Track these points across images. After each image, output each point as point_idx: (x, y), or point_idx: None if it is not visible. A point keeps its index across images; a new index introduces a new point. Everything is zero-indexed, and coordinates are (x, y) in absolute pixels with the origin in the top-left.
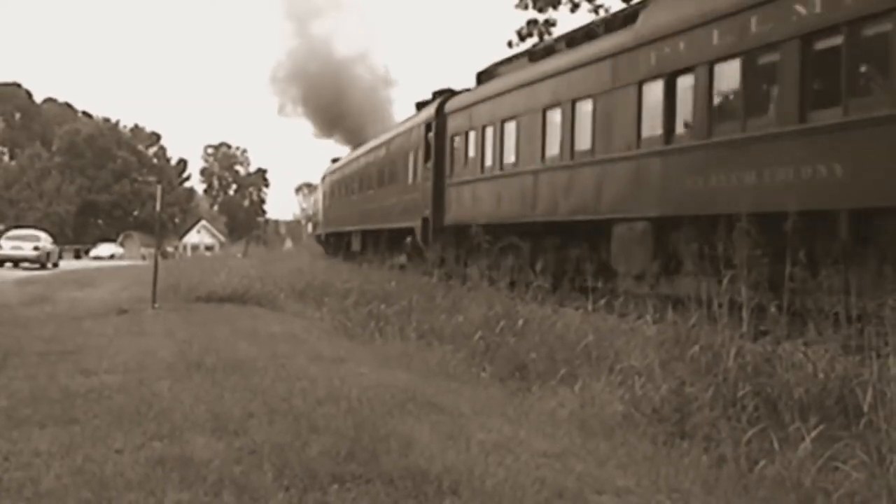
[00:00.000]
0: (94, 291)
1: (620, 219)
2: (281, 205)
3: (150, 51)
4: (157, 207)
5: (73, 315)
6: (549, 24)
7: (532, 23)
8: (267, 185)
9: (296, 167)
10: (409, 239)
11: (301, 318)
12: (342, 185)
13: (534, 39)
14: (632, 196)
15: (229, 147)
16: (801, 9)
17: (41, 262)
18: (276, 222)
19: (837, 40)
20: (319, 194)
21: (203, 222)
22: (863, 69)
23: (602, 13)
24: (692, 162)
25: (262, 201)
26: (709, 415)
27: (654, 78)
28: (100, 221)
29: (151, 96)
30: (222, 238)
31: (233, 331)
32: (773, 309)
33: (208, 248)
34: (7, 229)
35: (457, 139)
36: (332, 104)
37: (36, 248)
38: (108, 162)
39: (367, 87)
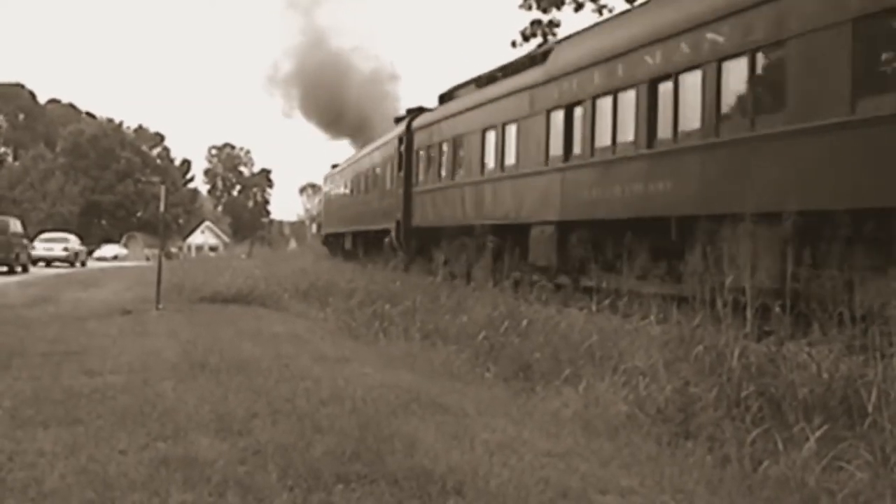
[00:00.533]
0: (97, 292)
1: (535, 222)
2: (285, 205)
3: (154, 51)
4: (161, 208)
5: (76, 316)
6: (553, 24)
7: (536, 23)
8: (271, 186)
9: (300, 168)
10: (387, 239)
11: (305, 318)
12: (338, 190)
13: (538, 40)
14: (542, 204)
15: (233, 148)
16: (649, 60)
17: (70, 261)
18: (281, 223)
19: (670, 85)
20: (322, 197)
21: (207, 223)
22: (682, 109)
23: (606, 13)
24: (582, 177)
25: (266, 202)
26: (713, 415)
27: (557, 108)
28: (103, 222)
29: (155, 97)
30: (226, 239)
31: (237, 331)
32: (776, 309)
33: (212, 248)
34: (39, 232)
35: (421, 152)
36: (333, 99)
37: (65, 249)
38: (112, 162)
39: (369, 79)
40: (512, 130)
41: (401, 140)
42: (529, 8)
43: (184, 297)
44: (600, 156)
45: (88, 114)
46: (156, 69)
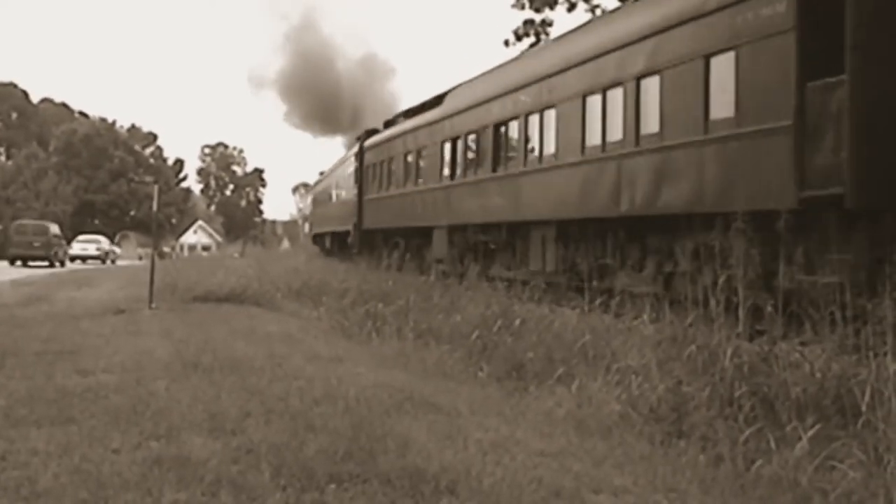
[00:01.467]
0: (91, 291)
1: (435, 226)
2: (278, 205)
3: (147, 51)
4: (154, 207)
5: (70, 315)
6: (546, 24)
7: (528, 23)
8: (264, 185)
9: (293, 167)
10: (349, 238)
11: (298, 317)
12: (321, 195)
13: (531, 39)
14: (439, 213)
15: (226, 147)
16: (495, 109)
17: (102, 258)
18: (273, 222)
19: (503, 129)
20: (310, 201)
21: (200, 222)
22: (505, 148)
23: (598, 13)
24: (462, 193)
25: (259, 201)
26: (706, 414)
27: (446, 140)
28: (96, 221)
29: (148, 96)
30: (219, 238)
31: (230, 331)
32: (769, 309)
33: (205, 248)
34: (75, 234)
35: (369, 168)
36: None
37: (98, 249)
38: (105, 162)
39: (360, 64)
40: (422, 155)
41: (356, 156)
42: (522, 7)
43: (177, 296)
44: (470, 177)
45: (81, 113)
46: (149, 68)
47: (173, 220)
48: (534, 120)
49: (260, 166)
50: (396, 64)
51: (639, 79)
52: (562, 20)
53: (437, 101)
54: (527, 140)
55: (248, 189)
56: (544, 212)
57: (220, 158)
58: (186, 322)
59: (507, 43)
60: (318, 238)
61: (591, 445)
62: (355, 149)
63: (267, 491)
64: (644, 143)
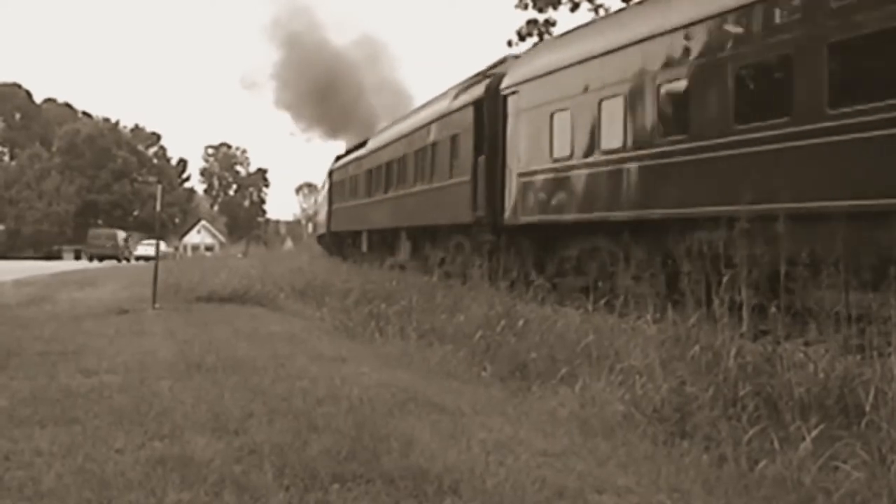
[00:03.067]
0: (94, 291)
1: (364, 230)
2: (281, 205)
3: (151, 51)
4: (157, 207)
5: (73, 315)
6: (550, 23)
7: (532, 23)
8: (267, 185)
9: (296, 167)
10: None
11: (301, 317)
12: (320, 204)
13: (534, 39)
14: (364, 220)
15: (229, 147)
16: (385, 153)
17: (162, 257)
18: (277, 222)
19: (392, 166)
20: (314, 206)
21: (203, 222)
22: (393, 176)
23: (602, 13)
24: (372, 207)
25: (263, 201)
26: (709, 414)
27: (368, 170)
28: (100, 221)
29: (152, 96)
30: (222, 238)
31: (233, 331)
32: (773, 309)
33: (208, 248)
34: (129, 236)
35: (334, 186)
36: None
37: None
38: (108, 162)
39: (357, 44)
40: (358, 179)
41: (328, 176)
42: (525, 7)
43: (180, 296)
44: (379, 197)
45: (85, 113)
46: (152, 69)
47: (177, 221)
48: (405, 160)
49: (263, 166)
50: (401, 67)
51: (433, 145)
52: (564, 20)
53: (365, 142)
54: (401, 174)
55: (251, 189)
56: (404, 222)
57: (223, 158)
58: (190, 322)
59: (510, 43)
60: (320, 238)
61: (594, 445)
62: (328, 168)
63: (270, 491)
64: (428, 182)
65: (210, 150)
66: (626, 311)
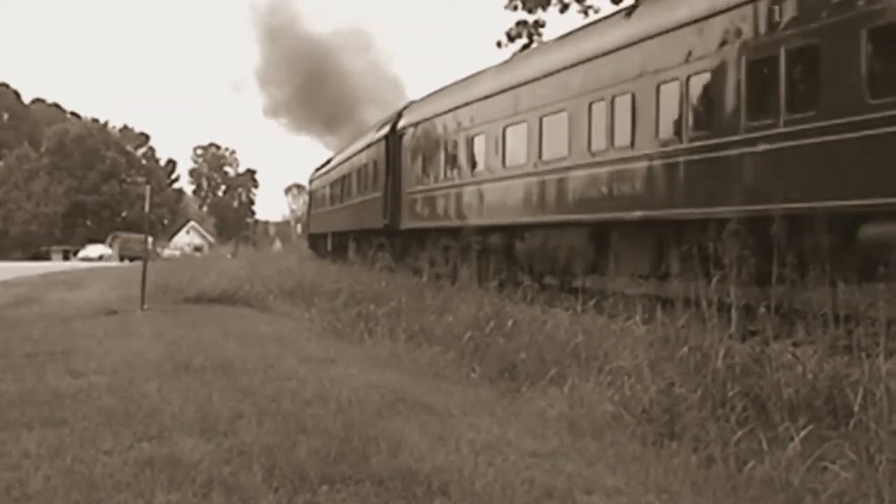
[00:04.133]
0: (82, 292)
1: (328, 232)
2: (270, 206)
3: (140, 51)
4: (146, 208)
5: (62, 316)
6: (539, 24)
7: (521, 24)
8: (256, 186)
9: (285, 168)
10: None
11: (290, 318)
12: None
13: (523, 40)
14: (329, 224)
15: (218, 148)
16: (335, 173)
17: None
18: (266, 223)
19: (338, 184)
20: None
21: (192, 223)
22: (339, 193)
23: (592, 14)
24: (331, 214)
25: (252, 202)
26: (698, 415)
27: (328, 184)
28: (88, 222)
29: (140, 97)
30: (211, 239)
31: (222, 332)
32: (762, 309)
33: (197, 248)
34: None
35: (312, 194)
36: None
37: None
38: (97, 163)
39: (340, 31)
40: (325, 190)
41: (309, 183)
42: (515, 9)
43: (169, 297)
44: (337, 206)
45: (73, 114)
46: (141, 69)
47: (165, 221)
48: (350, 177)
49: (252, 167)
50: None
51: (364, 167)
52: (554, 21)
53: (329, 160)
54: (348, 188)
55: (240, 190)
56: (348, 227)
57: (212, 159)
58: (178, 323)
59: (499, 44)
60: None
61: (583, 446)
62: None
63: (259, 492)
64: (362, 196)
65: (199, 151)
66: (616, 312)
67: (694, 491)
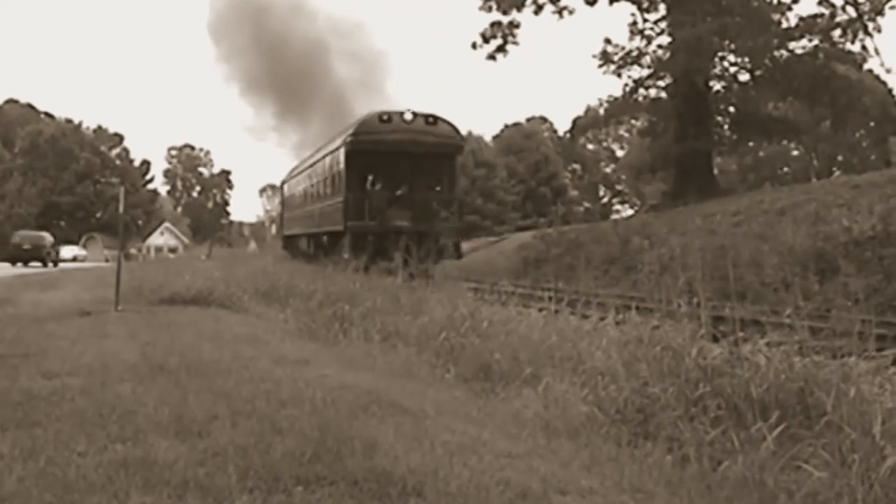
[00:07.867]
0: (56, 293)
1: (307, 233)
2: (245, 206)
3: (114, 52)
4: (121, 209)
5: (35, 317)
6: (514, 25)
7: (496, 25)
8: (231, 187)
9: (260, 169)
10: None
11: (265, 319)
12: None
13: (498, 41)
14: (304, 226)
15: (193, 148)
16: (322, 168)
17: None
18: (240, 224)
19: (296, 196)
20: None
21: (166, 224)
22: (300, 202)
23: (566, 14)
24: (310, 216)
25: (226, 203)
26: (672, 415)
27: (293, 194)
28: (62, 223)
29: (115, 97)
30: (186, 240)
31: (196, 333)
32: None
33: (171, 249)
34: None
35: (286, 195)
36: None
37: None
38: (71, 163)
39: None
40: (297, 193)
41: (280, 185)
42: (490, 10)
43: (143, 298)
44: (308, 208)
45: (47, 114)
46: (115, 69)
47: (140, 222)
48: (318, 184)
49: (227, 168)
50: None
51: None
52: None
53: (294, 170)
54: (303, 200)
55: (214, 191)
56: (309, 229)
57: (186, 160)
58: (153, 324)
59: (474, 46)
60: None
61: (557, 447)
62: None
63: (234, 493)
64: (310, 204)
65: (173, 152)
66: (589, 313)
67: (668, 491)
